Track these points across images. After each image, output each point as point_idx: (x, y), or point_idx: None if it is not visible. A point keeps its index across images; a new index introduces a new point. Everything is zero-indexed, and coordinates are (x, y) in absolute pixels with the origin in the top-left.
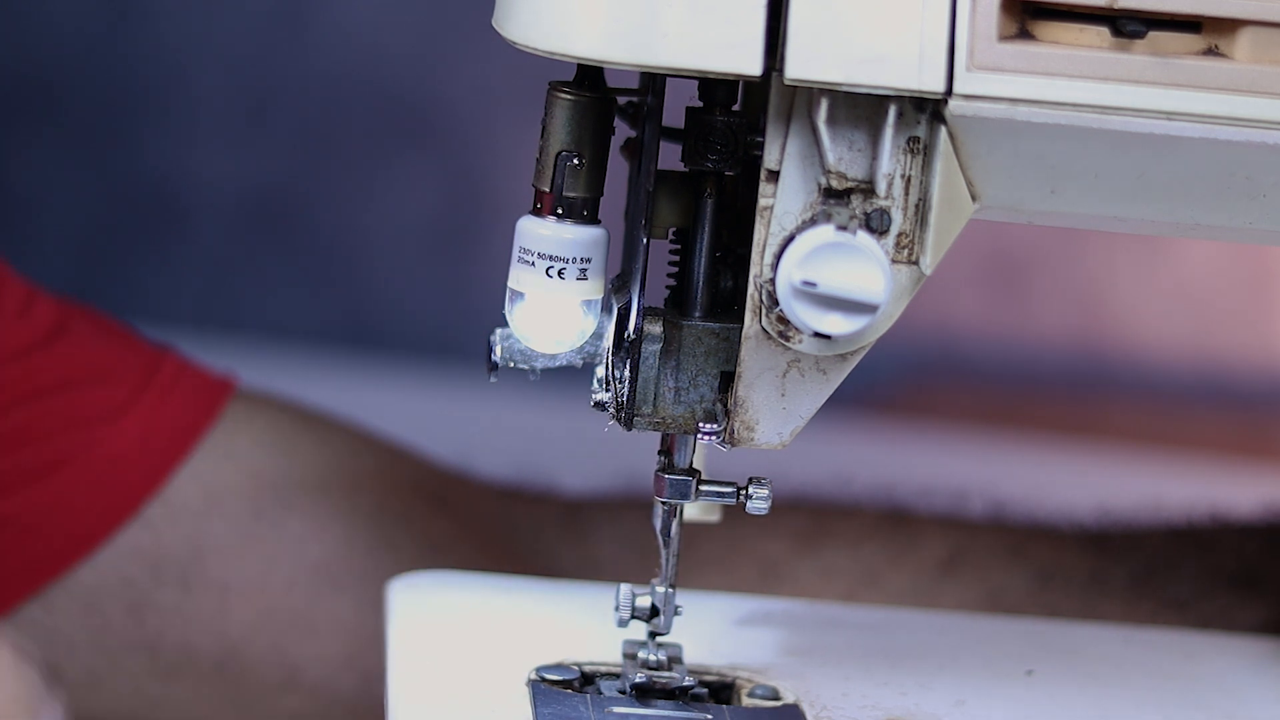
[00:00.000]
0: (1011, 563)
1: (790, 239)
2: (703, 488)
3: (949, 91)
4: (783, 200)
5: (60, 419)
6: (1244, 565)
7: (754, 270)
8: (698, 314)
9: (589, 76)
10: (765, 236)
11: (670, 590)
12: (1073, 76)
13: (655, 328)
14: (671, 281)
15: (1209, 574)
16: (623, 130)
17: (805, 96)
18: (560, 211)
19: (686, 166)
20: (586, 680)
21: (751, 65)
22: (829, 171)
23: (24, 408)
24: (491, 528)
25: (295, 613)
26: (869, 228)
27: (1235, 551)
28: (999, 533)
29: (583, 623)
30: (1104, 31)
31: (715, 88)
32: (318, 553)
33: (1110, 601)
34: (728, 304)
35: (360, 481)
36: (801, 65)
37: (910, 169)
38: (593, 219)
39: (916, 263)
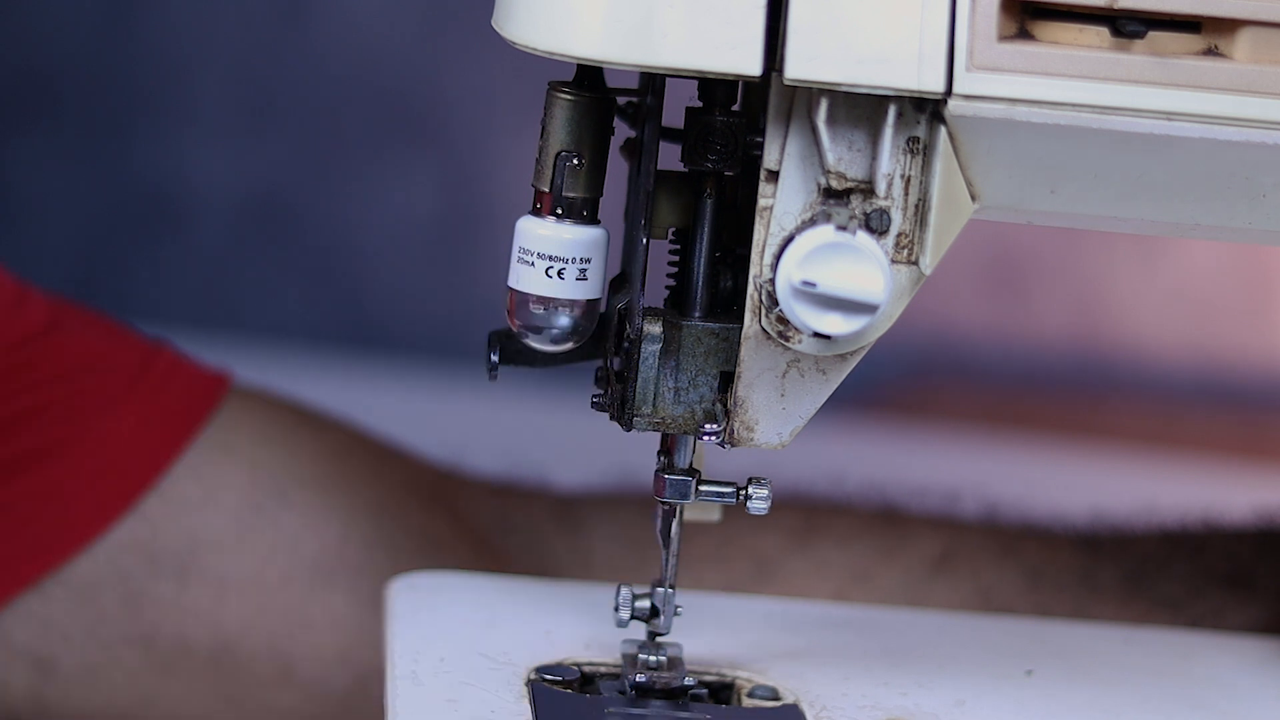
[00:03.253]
0: (1003, 562)
1: (790, 239)
2: (702, 488)
3: (949, 91)
4: (782, 200)
5: (56, 410)
6: (1236, 566)
7: (754, 270)
8: (697, 314)
9: (589, 76)
10: (765, 236)
11: (670, 591)
12: (1072, 76)
13: (655, 328)
14: (671, 281)
15: (1201, 574)
16: (623, 130)
17: (805, 96)
18: (560, 212)
19: (686, 166)
20: (586, 680)
21: (751, 65)
22: (829, 172)
23: (19, 399)
24: (485, 524)
25: (290, 608)
26: (869, 228)
27: (1227, 553)
28: (991, 533)
29: (583, 623)
30: (1104, 31)
31: (715, 88)
32: (314, 548)
33: (1102, 601)
34: (727, 304)
35: (356, 477)
36: (801, 65)
37: (910, 169)
38: (592, 219)
39: (916, 263)
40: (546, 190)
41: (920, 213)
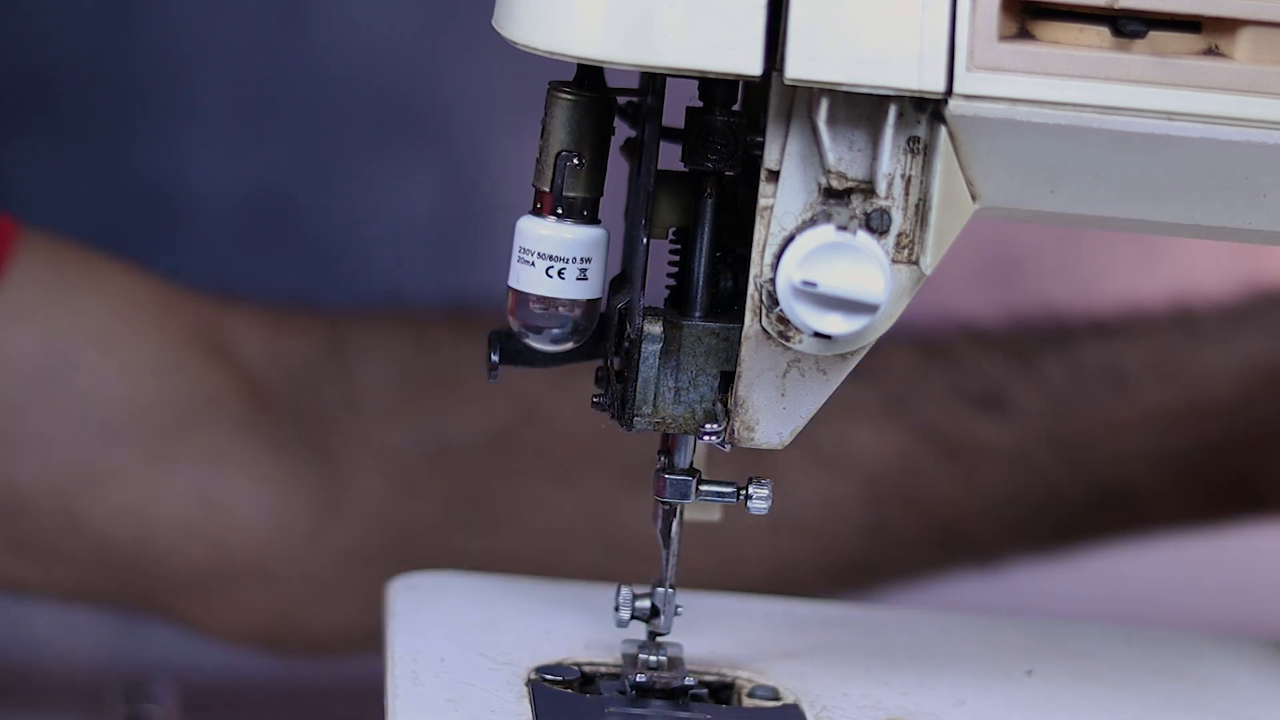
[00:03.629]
0: None
1: (790, 239)
2: (702, 488)
3: (949, 91)
4: (783, 200)
5: None
6: (988, 386)
7: (754, 270)
8: (698, 314)
9: (589, 76)
10: (765, 236)
11: (670, 591)
12: (1073, 76)
13: (655, 328)
14: (671, 281)
15: (955, 396)
16: (623, 130)
17: (805, 96)
18: (560, 211)
19: (686, 166)
20: (586, 680)
21: (751, 65)
22: (829, 171)
23: None
24: (259, 364)
25: (79, 465)
26: (869, 228)
27: (980, 374)
28: None
29: (583, 623)
30: (1104, 31)
31: (715, 88)
32: (101, 407)
33: (863, 428)
34: (728, 304)
35: (140, 334)
36: (801, 65)
37: (910, 169)
38: (593, 219)
39: (916, 263)
40: (547, 190)
41: (921, 212)
